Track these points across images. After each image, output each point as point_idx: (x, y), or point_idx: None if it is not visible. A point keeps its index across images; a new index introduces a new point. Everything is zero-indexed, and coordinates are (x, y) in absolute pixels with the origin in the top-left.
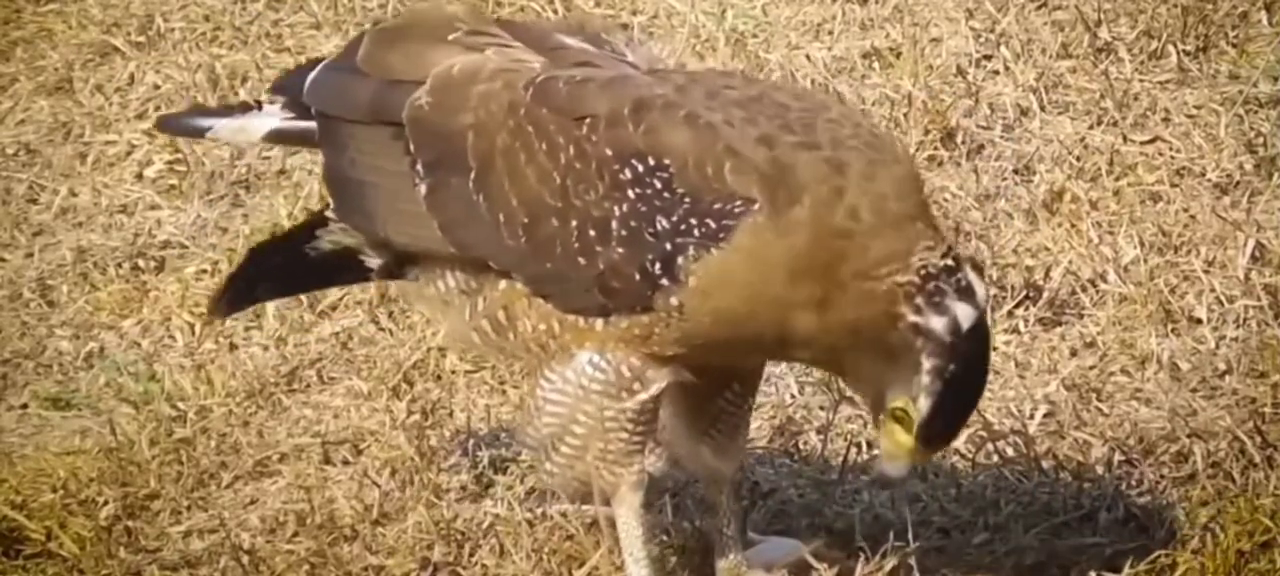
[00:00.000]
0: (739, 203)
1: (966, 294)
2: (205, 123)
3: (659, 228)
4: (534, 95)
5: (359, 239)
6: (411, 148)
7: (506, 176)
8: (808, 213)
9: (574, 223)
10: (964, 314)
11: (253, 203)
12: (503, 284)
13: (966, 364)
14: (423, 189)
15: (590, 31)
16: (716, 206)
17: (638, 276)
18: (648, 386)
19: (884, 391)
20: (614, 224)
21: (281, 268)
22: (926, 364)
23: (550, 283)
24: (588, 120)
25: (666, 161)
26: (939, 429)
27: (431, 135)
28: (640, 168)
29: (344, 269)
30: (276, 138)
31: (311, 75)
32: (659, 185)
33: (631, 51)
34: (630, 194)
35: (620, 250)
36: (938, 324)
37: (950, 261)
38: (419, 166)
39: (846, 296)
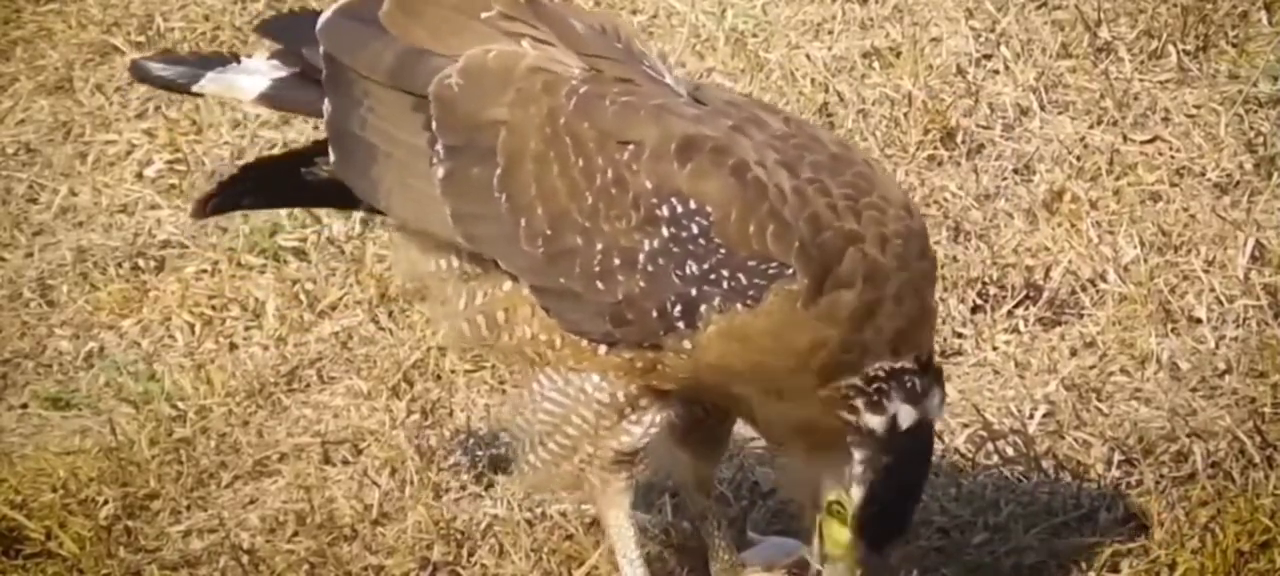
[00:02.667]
0: (775, 265)
1: (913, 397)
2: (182, 73)
3: (687, 272)
4: (577, 107)
5: None
6: (433, 125)
7: (535, 182)
8: (845, 311)
9: (599, 245)
10: (905, 414)
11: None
12: (508, 285)
13: (902, 458)
14: (440, 171)
15: (624, 36)
16: (751, 264)
17: (655, 314)
18: (642, 419)
19: (819, 486)
20: (641, 257)
21: (274, 184)
22: (857, 454)
23: (561, 299)
24: (632, 146)
25: (708, 209)
26: (876, 520)
27: (459, 119)
28: (680, 209)
29: (335, 197)
30: (269, 102)
31: (325, 16)
32: (696, 230)
33: (667, 72)
34: (665, 231)
35: (642, 284)
36: (875, 422)
37: (909, 365)
38: (440, 147)
39: (816, 398)
